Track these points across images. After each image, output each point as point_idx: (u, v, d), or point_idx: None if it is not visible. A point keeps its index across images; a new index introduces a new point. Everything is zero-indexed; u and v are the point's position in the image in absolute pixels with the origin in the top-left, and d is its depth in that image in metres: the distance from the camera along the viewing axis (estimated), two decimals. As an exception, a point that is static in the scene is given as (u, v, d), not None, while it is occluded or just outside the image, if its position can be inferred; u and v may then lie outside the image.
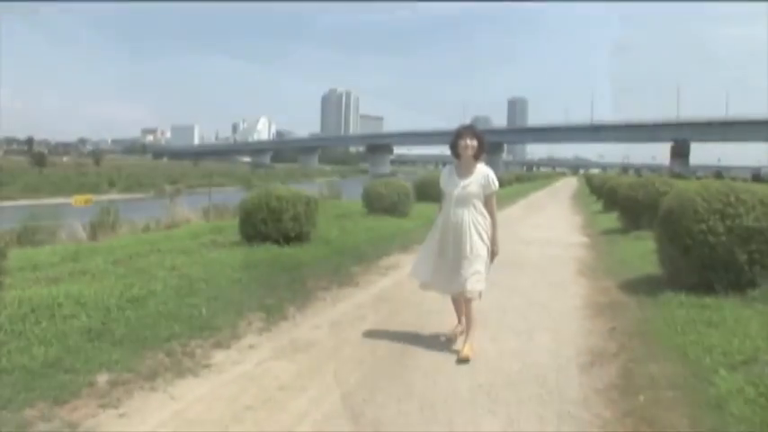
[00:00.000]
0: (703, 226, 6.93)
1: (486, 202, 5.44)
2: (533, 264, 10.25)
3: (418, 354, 5.32)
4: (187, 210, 20.83)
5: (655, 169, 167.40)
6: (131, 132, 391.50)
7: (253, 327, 5.99)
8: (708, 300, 6.52)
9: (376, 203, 16.99)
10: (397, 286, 8.12)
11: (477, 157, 5.45)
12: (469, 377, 4.66)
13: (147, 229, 18.22)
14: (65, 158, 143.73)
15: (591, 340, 5.76)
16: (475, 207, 5.39)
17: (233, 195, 32.74)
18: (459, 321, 5.62)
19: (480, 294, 5.37)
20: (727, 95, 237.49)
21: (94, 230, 16.94)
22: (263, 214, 10.48)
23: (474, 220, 5.36)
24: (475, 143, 5.40)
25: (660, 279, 7.78)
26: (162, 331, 5.53)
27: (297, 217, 10.70)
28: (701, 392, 4.11)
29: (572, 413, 4.03)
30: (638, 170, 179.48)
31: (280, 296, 7.11)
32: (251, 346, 5.44)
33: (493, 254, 5.45)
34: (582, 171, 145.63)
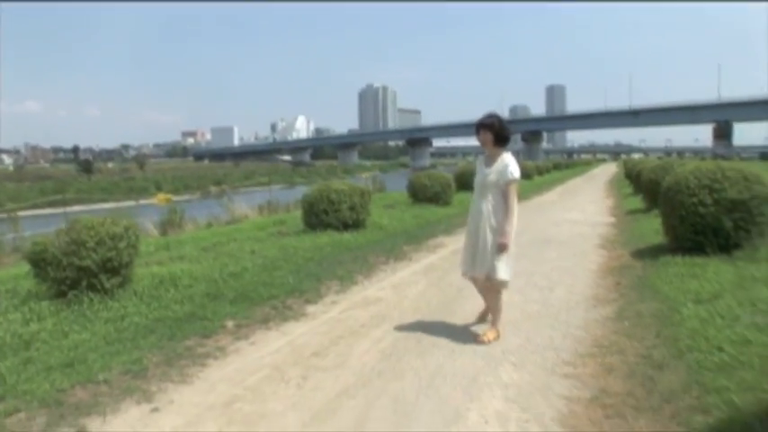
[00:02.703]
0: (694, 199, 8.39)
1: (503, 192, 5.45)
2: (561, 240, 11.73)
3: (461, 303, 6.85)
4: (244, 207, 22.53)
5: (698, 152, 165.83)
6: (172, 136, 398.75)
7: (331, 290, 7.65)
8: (698, 260, 7.97)
9: (420, 194, 18.61)
10: (444, 260, 9.68)
11: (498, 145, 5.55)
12: (503, 314, 6.19)
13: (209, 225, 19.89)
14: (110, 164, 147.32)
15: (598, 291, 7.29)
16: (494, 196, 5.48)
17: (278, 193, 34.37)
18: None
19: (505, 284, 5.58)
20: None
21: (164, 228, 18.70)
22: (324, 205, 12.18)
23: (494, 209, 5.47)
24: (489, 135, 5.51)
25: (664, 247, 9.22)
26: (263, 294, 7.23)
27: (353, 207, 12.40)
28: (669, 318, 5.63)
29: (573, 333, 5.59)
30: (680, 153, 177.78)
31: (348, 269, 8.77)
32: (333, 302, 7.09)
33: (500, 246, 5.38)
34: (623, 156, 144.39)
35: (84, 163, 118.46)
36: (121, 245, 7.02)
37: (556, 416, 3.86)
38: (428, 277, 8.38)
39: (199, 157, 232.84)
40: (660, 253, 8.89)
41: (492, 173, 5.49)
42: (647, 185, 16.40)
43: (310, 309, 6.80)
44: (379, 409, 4.06)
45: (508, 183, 5.43)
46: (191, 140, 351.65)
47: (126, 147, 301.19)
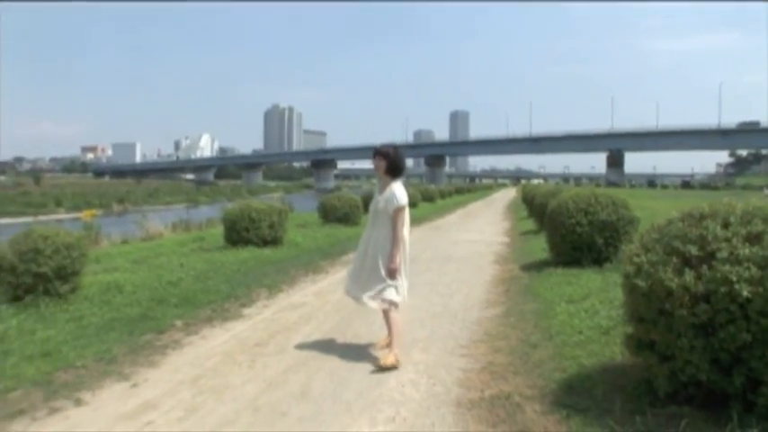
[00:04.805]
0: (573, 220, 9.87)
1: (392, 218, 5.59)
2: (460, 257, 13.10)
3: (376, 307, 8.04)
4: (158, 224, 23.05)
5: (593, 178, 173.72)
6: (70, 150, 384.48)
7: (261, 296, 8.69)
8: (574, 271, 9.43)
9: (330, 214, 19.78)
10: (357, 272, 10.84)
11: (390, 174, 5.71)
12: (412, 314, 7.34)
13: (125, 242, 20.33)
14: (2, 177, 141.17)
15: (490, 296, 8.63)
16: (383, 224, 5.64)
17: (183, 212, 34.62)
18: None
19: (392, 305, 5.67)
20: (657, 106, 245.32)
21: (81, 243, 19.01)
22: (246, 223, 13.15)
23: (384, 237, 5.62)
24: (382, 162, 5.68)
25: (549, 261, 10.68)
26: (202, 299, 8.20)
27: (272, 225, 13.44)
28: (546, 313, 6.97)
29: (469, 327, 6.86)
30: (577, 180, 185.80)
31: (273, 279, 9.81)
32: (265, 306, 8.15)
33: (390, 271, 5.55)
34: (523, 182, 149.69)
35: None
36: (75, 254, 7.86)
37: (455, 380, 5.08)
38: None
39: (99, 173, 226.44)
40: (545, 266, 10.32)
41: (381, 200, 5.67)
42: (538, 209, 18.13)
43: (246, 311, 7.83)
44: (319, 380, 5.16)
45: (395, 210, 5.56)
46: (90, 156, 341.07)
47: (20, 159, 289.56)
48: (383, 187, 5.74)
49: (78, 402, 4.72)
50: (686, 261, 3.64)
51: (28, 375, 5.23)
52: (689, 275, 3.55)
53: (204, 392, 4.92)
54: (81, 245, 8.10)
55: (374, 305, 5.69)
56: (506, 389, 4.71)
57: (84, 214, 21.18)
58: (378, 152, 5.76)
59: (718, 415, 3.61)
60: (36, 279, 7.51)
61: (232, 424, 4.27)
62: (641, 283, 3.73)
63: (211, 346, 6.28)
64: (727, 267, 3.43)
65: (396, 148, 5.92)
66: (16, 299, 7.52)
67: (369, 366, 5.50)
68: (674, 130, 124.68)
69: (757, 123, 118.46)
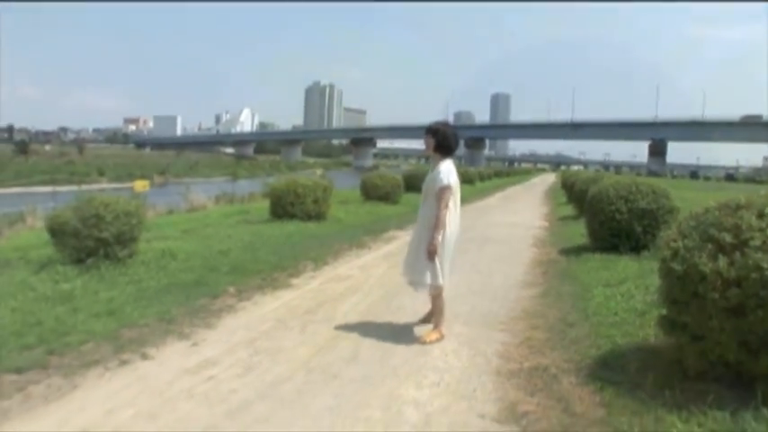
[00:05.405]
0: (612, 207, 10.06)
1: (436, 198, 5.52)
2: (500, 239, 13.36)
3: (418, 283, 8.35)
4: (202, 197, 23.62)
5: (634, 167, 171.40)
6: (113, 121, 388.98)
7: (308, 268, 9.05)
8: (612, 257, 9.65)
9: (372, 192, 20.15)
10: (399, 248, 11.12)
11: (439, 153, 5.67)
12: (452, 291, 7.51)
13: (170, 212, 20.91)
14: (47, 147, 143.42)
15: (529, 277, 8.90)
16: (430, 203, 5.62)
17: (224, 185, 35.20)
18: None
19: (436, 288, 5.73)
20: (704, 96, 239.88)
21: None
22: (291, 198, 13.57)
23: (429, 215, 5.61)
24: (431, 140, 5.63)
25: (587, 246, 10.89)
26: (252, 268, 8.58)
27: (317, 200, 13.84)
28: (582, 295, 7.23)
29: (508, 305, 7.15)
30: (618, 168, 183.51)
31: (318, 252, 10.17)
32: (312, 277, 8.52)
33: (428, 252, 5.54)
34: (563, 168, 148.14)
35: (20, 144, 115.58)
36: (133, 221, 8.30)
37: (495, 352, 5.39)
38: (388, 262, 9.83)
39: (140, 145, 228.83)
40: (583, 251, 10.54)
41: (429, 179, 5.67)
42: (577, 195, 18.27)
43: (294, 281, 8.20)
44: (366, 346, 5.51)
45: (439, 189, 5.50)
46: (132, 127, 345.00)
47: (64, 130, 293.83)
48: (434, 165, 5.69)
49: (144, 356, 5.13)
50: (720, 248, 3.89)
51: (97, 331, 5.64)
52: (722, 261, 3.81)
53: (260, 353, 5.29)
54: (139, 213, 8.54)
55: (419, 287, 5.85)
56: (544, 362, 5.01)
57: (137, 185, 21.61)
58: (428, 129, 5.70)
59: (744, 394, 3.87)
60: (97, 243, 7.95)
61: (288, 381, 4.63)
62: (677, 266, 4.00)
63: (263, 312, 6.66)
64: (759, 255, 3.69)
65: (446, 125, 5.88)
66: (78, 261, 7.96)
67: (413, 336, 5.84)
68: (719, 120, 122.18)
69: (760, 117, 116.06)
